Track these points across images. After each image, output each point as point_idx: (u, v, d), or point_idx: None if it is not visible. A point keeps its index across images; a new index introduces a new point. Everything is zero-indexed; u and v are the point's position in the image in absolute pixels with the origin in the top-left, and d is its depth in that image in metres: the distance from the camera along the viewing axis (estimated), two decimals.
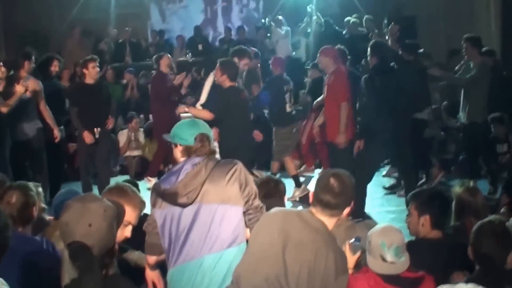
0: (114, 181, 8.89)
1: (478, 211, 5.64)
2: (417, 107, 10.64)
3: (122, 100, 15.33)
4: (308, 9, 17.59)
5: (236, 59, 9.62)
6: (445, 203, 5.31)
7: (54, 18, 19.22)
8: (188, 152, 4.59)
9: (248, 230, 4.56)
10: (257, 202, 4.57)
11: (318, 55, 10.18)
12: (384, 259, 4.26)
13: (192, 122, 4.83)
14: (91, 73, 10.35)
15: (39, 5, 18.22)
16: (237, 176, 4.48)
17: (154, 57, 12.67)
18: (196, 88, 13.46)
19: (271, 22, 18.00)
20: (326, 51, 9.95)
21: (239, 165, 4.55)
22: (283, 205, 5.36)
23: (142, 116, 14.76)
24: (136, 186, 5.35)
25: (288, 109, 11.27)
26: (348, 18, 17.11)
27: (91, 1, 19.40)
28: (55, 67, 10.90)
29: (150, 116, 13.28)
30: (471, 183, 5.95)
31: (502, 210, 7.13)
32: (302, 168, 12.82)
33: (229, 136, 8.79)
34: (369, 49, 9.66)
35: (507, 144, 11.47)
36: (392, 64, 9.77)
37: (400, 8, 18.48)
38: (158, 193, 4.60)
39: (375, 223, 5.92)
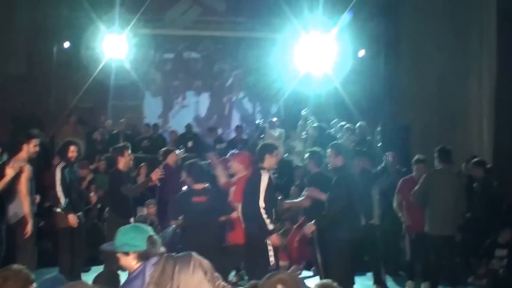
0: None
1: None
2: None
3: None
4: (303, 113, 17.81)
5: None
6: None
7: (51, 103, 19.38)
8: (145, 256, 4.63)
9: None
10: (222, 282, 4.72)
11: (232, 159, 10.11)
12: None
13: (135, 227, 4.88)
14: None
15: (37, 89, 18.34)
16: (198, 264, 4.62)
17: (162, 150, 12.90)
18: None
19: (265, 124, 18.22)
20: (239, 158, 9.87)
21: (194, 255, 4.69)
22: None
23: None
24: None
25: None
26: (343, 123, 17.30)
27: (89, 90, 19.59)
28: (72, 153, 10.69)
29: (139, 208, 13.40)
30: None
31: None
32: (290, 270, 12.68)
33: None
34: (333, 148, 9.66)
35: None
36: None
37: (394, 116, 18.69)
38: None
39: None
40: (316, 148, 10.97)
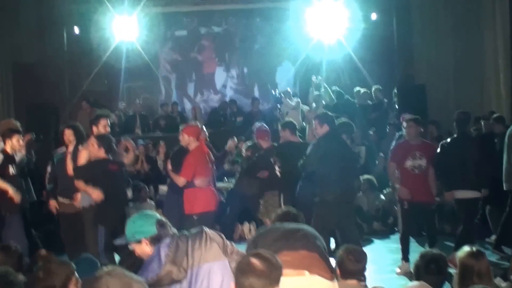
0: None
1: (482, 276, 5.47)
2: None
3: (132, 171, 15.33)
4: (314, 80, 17.71)
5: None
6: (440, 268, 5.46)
7: (65, 90, 19.43)
8: (158, 239, 4.69)
9: None
10: (236, 249, 4.86)
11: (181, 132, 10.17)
12: None
13: (142, 214, 4.94)
14: None
15: (50, 76, 18.36)
16: (210, 238, 4.70)
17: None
18: None
19: (281, 94, 18.12)
20: (188, 130, 10.07)
21: (205, 229, 4.77)
22: None
23: (151, 187, 14.77)
24: None
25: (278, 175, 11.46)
26: (358, 88, 17.22)
27: (102, 73, 19.63)
28: (67, 137, 10.56)
29: (160, 187, 13.42)
30: (475, 247, 5.76)
31: None
32: None
33: None
34: (317, 119, 9.86)
35: None
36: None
37: (410, 77, 18.57)
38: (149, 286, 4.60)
39: None
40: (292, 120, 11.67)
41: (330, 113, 10.23)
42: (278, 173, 11.25)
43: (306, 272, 4.96)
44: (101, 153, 9.34)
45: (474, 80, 16.85)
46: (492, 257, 10.14)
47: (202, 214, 9.58)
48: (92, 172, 9.30)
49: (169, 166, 10.17)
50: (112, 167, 9.45)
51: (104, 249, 9.00)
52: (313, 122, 10.10)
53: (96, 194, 9.17)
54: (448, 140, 10.41)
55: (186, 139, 9.91)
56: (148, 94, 21.97)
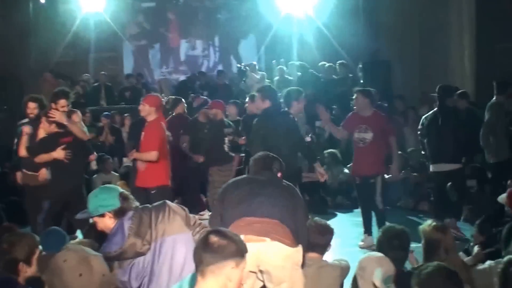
0: None
1: (448, 250, 5.52)
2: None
3: (96, 142, 15.28)
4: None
5: None
6: (403, 244, 5.46)
7: (31, 61, 19.25)
8: (122, 212, 4.68)
9: None
10: (198, 221, 4.91)
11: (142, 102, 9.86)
12: (375, 285, 4.61)
13: (105, 188, 4.95)
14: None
15: (16, 47, 18.18)
16: (173, 210, 4.74)
17: (171, 99, 13.14)
18: None
19: (246, 67, 18.21)
20: (150, 100, 9.69)
21: (168, 202, 4.82)
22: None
23: (116, 159, 14.71)
24: None
25: (226, 149, 11.56)
26: (323, 62, 17.30)
27: (69, 44, 19.49)
28: (30, 110, 10.45)
29: (124, 159, 13.36)
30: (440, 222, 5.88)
31: (475, 248, 7.12)
32: None
33: None
34: (259, 93, 9.70)
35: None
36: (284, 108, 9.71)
37: (376, 52, 18.70)
38: (110, 259, 4.70)
39: (347, 262, 5.97)
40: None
41: (272, 87, 10.18)
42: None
43: (267, 239, 5.10)
44: (52, 128, 9.29)
45: (439, 56, 17.00)
46: None
47: (158, 188, 9.34)
48: (44, 148, 9.27)
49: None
50: (64, 140, 9.41)
51: (43, 221, 8.90)
52: (256, 95, 10.02)
53: (41, 174, 9.21)
54: (429, 113, 10.68)
55: (146, 109, 9.52)
56: (114, 66, 21.87)
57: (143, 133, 9.55)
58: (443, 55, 16.91)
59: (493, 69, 15.59)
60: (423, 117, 10.74)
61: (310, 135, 11.51)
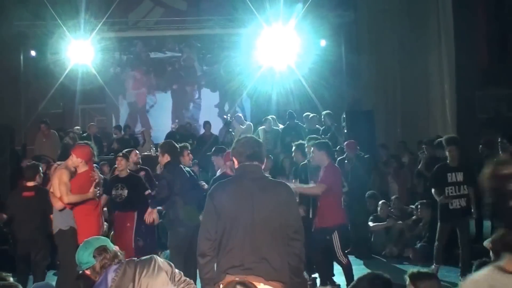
0: None
1: None
2: None
3: None
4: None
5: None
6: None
7: (21, 111, 19.57)
8: (99, 268, 4.87)
9: None
10: (183, 277, 5.03)
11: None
12: None
13: (84, 243, 5.08)
14: None
15: (6, 97, 18.53)
16: (159, 265, 4.90)
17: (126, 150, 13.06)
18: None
19: (232, 118, 18.52)
20: (78, 151, 9.20)
21: (155, 257, 4.99)
22: None
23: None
24: None
25: None
26: (308, 113, 17.59)
27: (57, 95, 19.80)
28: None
29: None
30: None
31: None
32: None
33: None
34: (159, 148, 10.28)
35: None
36: None
37: (358, 102, 19.10)
38: None
39: None
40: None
41: (173, 143, 10.33)
42: None
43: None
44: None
45: (420, 104, 17.39)
46: None
47: None
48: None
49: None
50: (25, 194, 9.92)
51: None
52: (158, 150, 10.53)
53: None
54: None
55: (74, 160, 9.08)
56: (102, 117, 22.15)
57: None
58: (425, 103, 17.31)
59: (474, 115, 16.02)
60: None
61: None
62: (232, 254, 5.00)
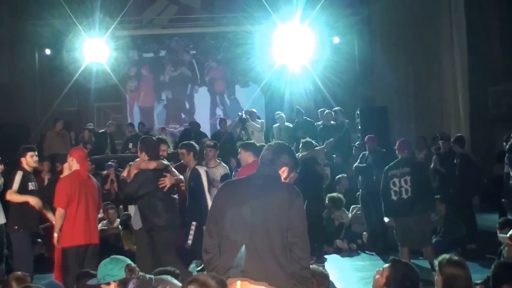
0: None
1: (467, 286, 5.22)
2: None
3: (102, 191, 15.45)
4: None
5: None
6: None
7: (36, 109, 19.70)
8: (125, 284, 5.33)
9: None
10: None
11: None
12: None
13: (113, 258, 5.51)
14: None
15: (22, 96, 18.70)
16: (174, 283, 5.34)
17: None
18: None
19: (246, 115, 18.49)
20: (74, 152, 9.13)
21: (169, 277, 5.47)
22: None
23: (121, 207, 14.89)
24: None
25: None
26: (323, 109, 17.62)
27: (72, 93, 19.92)
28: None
29: (129, 206, 13.58)
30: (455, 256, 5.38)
31: None
32: None
33: None
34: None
35: None
36: None
37: (371, 99, 19.13)
38: None
39: None
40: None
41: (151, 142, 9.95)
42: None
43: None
44: None
45: (434, 101, 17.40)
46: None
47: (72, 248, 8.77)
48: None
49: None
50: None
51: None
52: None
53: None
54: None
55: (69, 161, 9.05)
56: (118, 114, 22.23)
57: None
58: (438, 100, 17.32)
59: (486, 111, 16.03)
60: None
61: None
62: (229, 254, 4.96)
